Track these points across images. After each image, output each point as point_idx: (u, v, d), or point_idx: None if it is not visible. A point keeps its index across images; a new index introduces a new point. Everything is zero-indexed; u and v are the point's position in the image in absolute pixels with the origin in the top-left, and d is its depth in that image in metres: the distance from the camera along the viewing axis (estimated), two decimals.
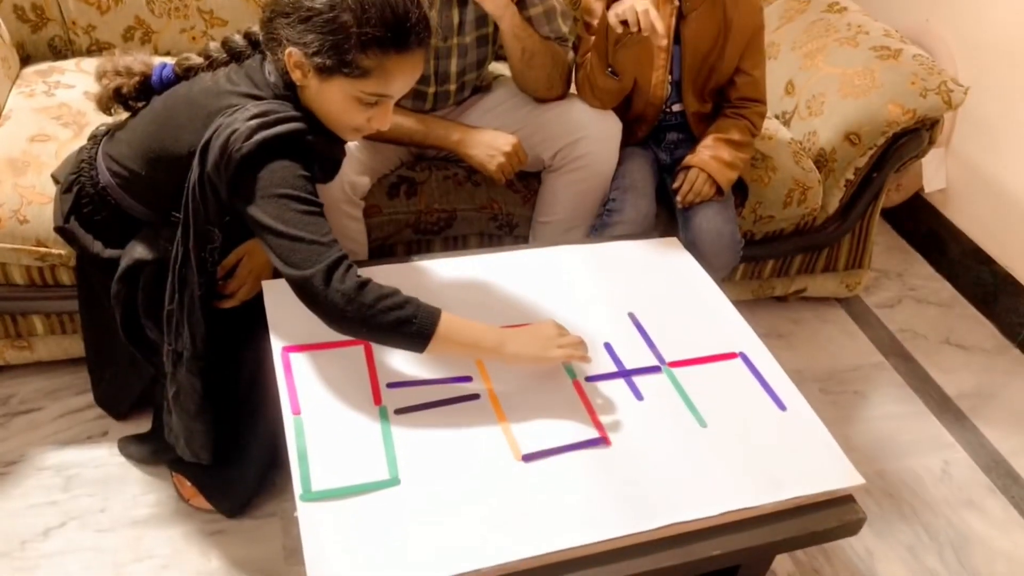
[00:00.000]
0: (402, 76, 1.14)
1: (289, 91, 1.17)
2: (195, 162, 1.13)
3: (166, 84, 1.25)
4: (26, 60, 1.88)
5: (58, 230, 1.33)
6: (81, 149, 1.34)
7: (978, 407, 1.97)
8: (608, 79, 1.60)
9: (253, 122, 1.10)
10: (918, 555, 1.60)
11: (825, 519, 1.10)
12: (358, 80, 1.11)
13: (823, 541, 1.15)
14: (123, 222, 1.28)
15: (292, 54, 1.11)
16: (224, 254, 1.25)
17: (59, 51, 1.92)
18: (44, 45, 1.90)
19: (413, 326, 1.07)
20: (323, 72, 1.10)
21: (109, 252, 1.29)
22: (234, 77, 1.19)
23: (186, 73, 1.24)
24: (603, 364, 1.25)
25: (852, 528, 1.12)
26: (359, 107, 1.14)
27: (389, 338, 1.10)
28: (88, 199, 1.29)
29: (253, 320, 1.25)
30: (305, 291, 1.08)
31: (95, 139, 1.33)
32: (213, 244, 1.19)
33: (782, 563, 1.54)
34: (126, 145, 1.26)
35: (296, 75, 1.13)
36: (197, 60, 1.24)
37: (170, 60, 1.27)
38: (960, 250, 2.35)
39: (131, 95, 1.26)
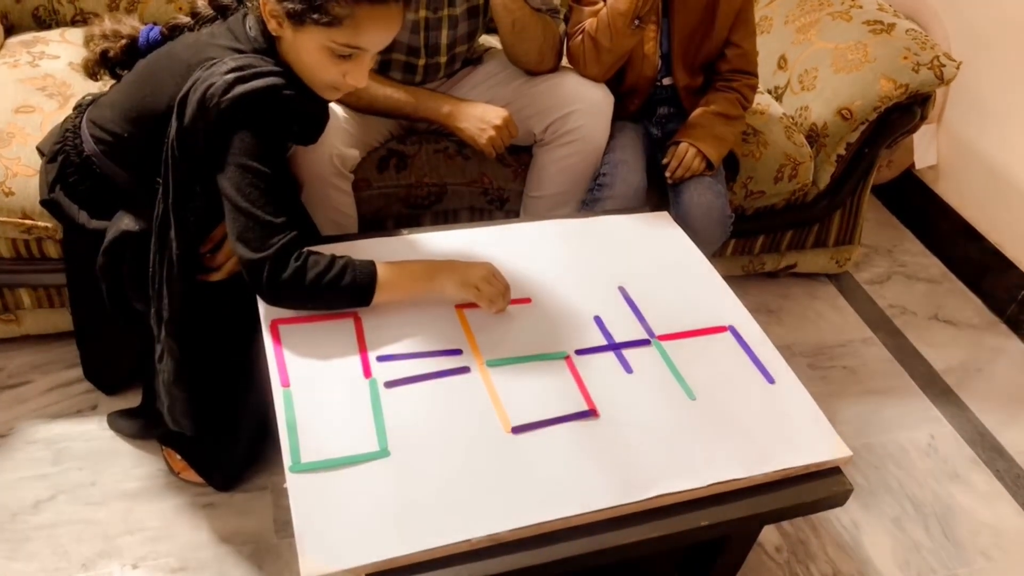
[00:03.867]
0: (375, 29, 1.11)
1: (269, 45, 1.15)
2: (173, 116, 1.12)
3: (153, 46, 1.24)
4: (10, 30, 1.85)
5: (44, 203, 1.32)
6: (66, 119, 1.32)
7: (965, 382, 1.99)
8: (632, 34, 1.57)
9: (230, 76, 1.09)
10: (904, 527, 1.62)
11: (813, 490, 1.11)
12: (329, 29, 1.09)
13: (811, 512, 1.17)
14: (108, 192, 1.27)
15: (266, 2, 1.10)
16: (209, 221, 1.24)
17: (43, 21, 1.89)
18: (28, 15, 1.87)
19: (352, 291, 1.15)
20: (294, 19, 1.09)
21: (95, 223, 1.27)
22: (216, 31, 1.18)
23: (172, 33, 1.23)
24: (593, 337, 1.25)
25: (839, 499, 1.13)
26: (333, 60, 1.12)
27: (332, 306, 1.17)
28: (73, 169, 1.27)
29: (242, 293, 1.24)
30: (251, 274, 1.12)
31: (80, 109, 1.31)
32: (194, 202, 1.18)
33: (769, 535, 1.55)
34: (109, 108, 1.25)
35: (272, 24, 1.12)
36: (184, 19, 1.23)
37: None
38: (950, 226, 2.36)
39: (118, 59, 1.25)
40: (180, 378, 1.28)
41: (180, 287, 1.21)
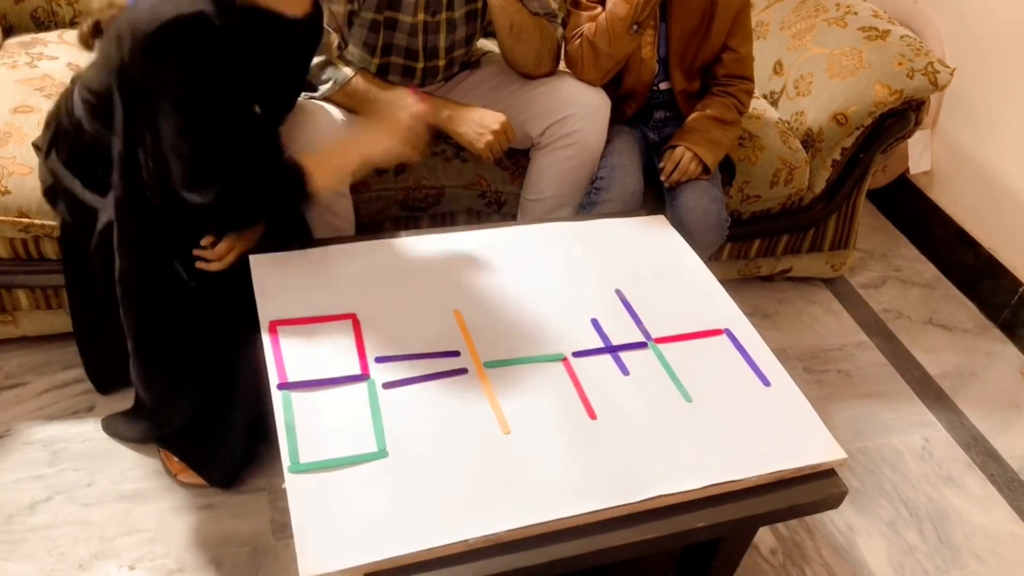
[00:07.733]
0: None
1: None
2: (114, 52, 1.14)
3: None
4: (8, 31, 1.86)
5: (45, 194, 1.33)
6: (62, 93, 1.33)
7: (959, 386, 2.00)
8: (630, 39, 1.59)
9: (157, 1, 1.10)
10: (898, 530, 1.63)
11: (807, 492, 1.12)
12: None
13: (805, 514, 1.17)
14: (99, 157, 1.27)
15: None
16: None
17: (42, 23, 1.89)
18: (27, 16, 1.88)
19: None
20: None
21: (89, 197, 1.28)
22: None
23: None
24: (590, 340, 1.26)
25: (834, 501, 1.14)
26: None
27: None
28: (65, 134, 1.29)
29: (236, 289, 1.24)
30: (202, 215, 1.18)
31: (75, 80, 1.33)
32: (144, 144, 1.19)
33: (765, 537, 1.56)
34: (92, 68, 1.26)
35: None
36: None
37: None
38: (944, 232, 2.37)
39: (109, 27, 1.25)
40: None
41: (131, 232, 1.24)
